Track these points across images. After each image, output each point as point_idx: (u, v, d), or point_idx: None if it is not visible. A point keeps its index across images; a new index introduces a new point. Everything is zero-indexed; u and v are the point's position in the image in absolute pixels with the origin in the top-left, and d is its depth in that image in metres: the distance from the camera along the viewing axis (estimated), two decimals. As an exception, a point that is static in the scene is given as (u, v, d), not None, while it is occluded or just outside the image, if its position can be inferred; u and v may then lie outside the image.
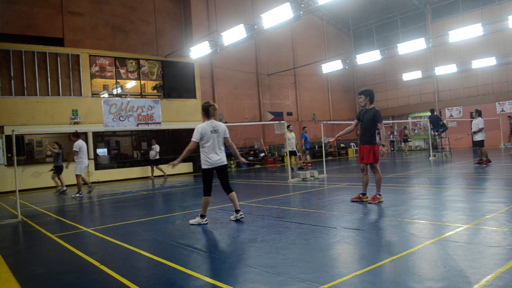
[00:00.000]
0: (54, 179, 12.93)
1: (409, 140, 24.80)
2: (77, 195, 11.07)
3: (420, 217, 5.34)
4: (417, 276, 3.10)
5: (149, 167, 16.94)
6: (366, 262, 3.60)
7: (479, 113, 12.59)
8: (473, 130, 12.49)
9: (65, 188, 12.70)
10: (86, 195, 11.41)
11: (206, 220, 5.78)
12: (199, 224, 5.71)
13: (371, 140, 6.61)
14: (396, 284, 2.96)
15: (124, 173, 17.14)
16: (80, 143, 11.21)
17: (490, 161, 12.22)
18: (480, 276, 2.96)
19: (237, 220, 5.78)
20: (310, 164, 17.92)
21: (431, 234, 4.39)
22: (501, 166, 12.18)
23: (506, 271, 3.01)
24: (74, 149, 11.06)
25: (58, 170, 12.64)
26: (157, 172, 16.89)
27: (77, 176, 11.18)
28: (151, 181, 15.77)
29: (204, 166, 5.70)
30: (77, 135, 11.51)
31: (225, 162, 5.81)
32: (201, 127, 5.74)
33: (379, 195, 6.60)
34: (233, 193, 5.87)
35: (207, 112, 5.82)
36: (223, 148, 5.83)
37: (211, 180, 5.75)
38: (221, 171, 5.78)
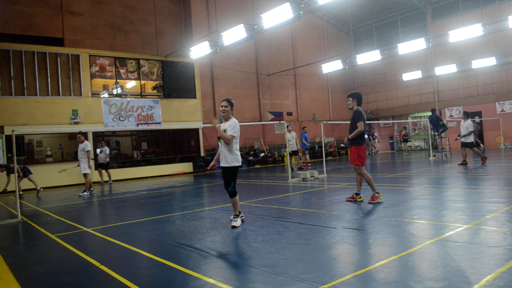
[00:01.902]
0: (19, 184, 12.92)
1: (409, 140, 24.84)
2: (85, 193, 11.47)
3: (420, 217, 5.34)
4: (417, 276, 3.10)
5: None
6: (366, 262, 3.60)
7: (468, 115, 12.69)
8: (462, 133, 12.56)
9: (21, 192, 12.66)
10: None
11: (242, 216, 5.74)
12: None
13: (356, 141, 6.70)
14: (396, 284, 2.96)
15: (124, 173, 17.14)
16: (89, 144, 11.70)
17: (486, 158, 12.33)
18: (480, 276, 2.96)
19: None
20: (310, 164, 17.93)
21: (431, 234, 4.39)
22: (501, 166, 12.18)
23: (506, 271, 3.01)
24: (87, 149, 11.35)
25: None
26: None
27: (87, 174, 11.51)
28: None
29: (238, 164, 5.50)
30: (85, 136, 12.10)
31: None
32: (237, 122, 5.58)
33: (377, 193, 6.61)
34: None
35: (233, 107, 5.66)
36: None
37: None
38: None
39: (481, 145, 21.83)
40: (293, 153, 15.02)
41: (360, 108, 6.72)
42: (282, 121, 14.60)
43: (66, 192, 13.08)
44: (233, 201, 5.58)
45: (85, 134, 14.16)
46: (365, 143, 6.82)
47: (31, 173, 12.72)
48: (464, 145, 12.66)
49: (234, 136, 5.42)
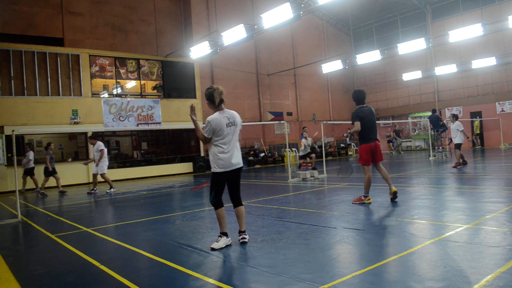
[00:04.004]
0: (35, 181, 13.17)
1: (393, 140, 24.57)
2: (112, 190, 11.62)
3: (420, 217, 5.34)
4: (417, 276, 3.10)
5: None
6: (366, 262, 3.60)
7: (456, 118, 12.59)
8: (452, 135, 12.46)
9: (41, 190, 12.81)
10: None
11: (229, 240, 4.48)
12: (222, 247, 4.36)
13: (358, 141, 6.79)
14: (396, 284, 2.96)
15: (124, 173, 17.13)
16: (102, 144, 11.83)
17: (460, 164, 11.98)
18: (480, 276, 2.96)
19: (242, 242, 4.50)
20: (310, 164, 17.95)
21: (431, 234, 4.39)
22: (501, 166, 12.18)
23: (506, 271, 3.01)
24: (100, 148, 11.57)
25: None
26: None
27: (103, 175, 11.69)
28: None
29: (214, 169, 4.42)
30: (95, 137, 12.17)
31: (242, 164, 4.62)
32: (213, 118, 4.38)
33: (365, 196, 6.55)
34: (243, 208, 4.61)
35: (212, 100, 4.43)
36: (239, 145, 4.60)
37: (221, 187, 4.52)
38: (236, 175, 4.55)
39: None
40: (306, 155, 15.07)
41: (358, 108, 6.63)
42: (282, 121, 14.61)
43: (66, 192, 13.06)
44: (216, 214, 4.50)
45: (84, 134, 14.19)
46: (368, 142, 6.54)
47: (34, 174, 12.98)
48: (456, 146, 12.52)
49: (204, 136, 4.39)
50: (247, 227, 5.39)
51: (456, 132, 12.31)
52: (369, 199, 6.55)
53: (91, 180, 15.96)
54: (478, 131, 22.77)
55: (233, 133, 4.46)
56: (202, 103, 19.77)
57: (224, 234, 4.45)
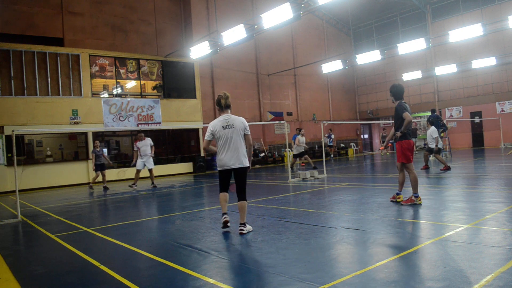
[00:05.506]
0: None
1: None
2: (134, 186, 12.38)
3: (420, 217, 5.34)
4: (417, 276, 3.10)
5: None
6: (366, 262, 3.60)
7: (431, 123, 12.24)
8: (428, 140, 12.16)
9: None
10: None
11: (224, 217, 5.10)
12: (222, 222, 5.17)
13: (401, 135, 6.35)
14: (396, 284, 2.96)
15: (124, 173, 17.11)
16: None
17: (449, 168, 11.62)
18: (480, 276, 2.96)
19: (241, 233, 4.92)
20: (303, 164, 18.13)
21: (431, 234, 4.39)
22: (501, 166, 12.18)
23: (506, 271, 3.02)
24: (152, 143, 12.40)
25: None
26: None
27: (139, 170, 12.39)
28: None
29: (217, 167, 5.18)
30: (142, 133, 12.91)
31: (242, 165, 5.00)
32: (211, 122, 5.15)
33: (416, 197, 6.22)
34: (244, 202, 5.02)
35: (219, 104, 5.15)
36: (241, 147, 5.05)
37: (223, 180, 5.16)
38: (236, 174, 5.06)
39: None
40: (301, 155, 15.08)
41: (401, 102, 6.34)
42: (282, 121, 14.61)
43: (66, 192, 13.08)
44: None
45: (84, 134, 14.19)
46: (408, 138, 6.30)
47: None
48: (429, 150, 12.31)
49: (204, 138, 5.17)
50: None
51: (432, 138, 12.03)
52: (420, 199, 6.22)
53: (91, 180, 15.96)
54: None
55: (230, 135, 5.02)
56: (202, 103, 19.77)
57: (223, 214, 5.18)
